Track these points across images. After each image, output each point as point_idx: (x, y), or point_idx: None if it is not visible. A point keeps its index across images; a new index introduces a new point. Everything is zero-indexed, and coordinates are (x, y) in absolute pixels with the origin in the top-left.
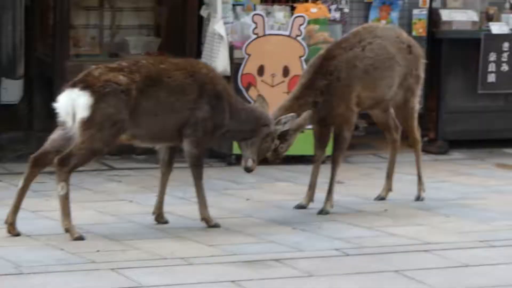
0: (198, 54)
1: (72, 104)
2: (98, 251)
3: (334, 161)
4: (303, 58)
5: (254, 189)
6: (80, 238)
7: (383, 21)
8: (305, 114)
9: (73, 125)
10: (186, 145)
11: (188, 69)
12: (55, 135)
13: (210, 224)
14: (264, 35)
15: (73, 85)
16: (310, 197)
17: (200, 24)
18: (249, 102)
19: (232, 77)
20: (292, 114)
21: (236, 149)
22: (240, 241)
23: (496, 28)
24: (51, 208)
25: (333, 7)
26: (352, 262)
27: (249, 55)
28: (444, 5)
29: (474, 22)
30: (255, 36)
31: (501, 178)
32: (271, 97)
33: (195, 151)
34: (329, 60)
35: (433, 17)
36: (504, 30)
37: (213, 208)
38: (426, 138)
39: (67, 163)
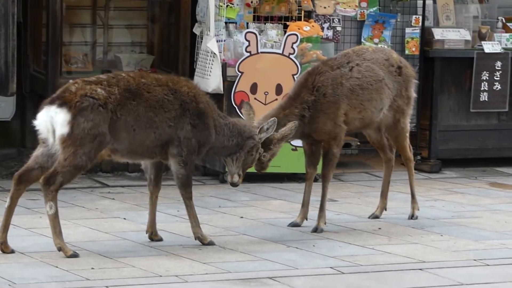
0: (191, 71)
1: (51, 122)
2: (92, 268)
3: (324, 178)
4: (296, 76)
5: (248, 206)
6: (74, 255)
7: (376, 40)
8: (291, 124)
9: (54, 142)
10: (173, 166)
11: (169, 86)
12: (38, 151)
13: (204, 242)
14: (257, 53)
15: (51, 102)
16: (304, 215)
17: (193, 42)
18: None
19: (225, 95)
20: (273, 118)
21: None
22: (235, 258)
23: (488, 47)
24: (45, 225)
25: (326, 25)
26: (347, 280)
27: (242, 73)
28: (437, 24)
29: (466, 41)
30: (248, 54)
31: (495, 197)
32: None
33: (182, 171)
34: (316, 76)
35: (426, 35)
36: (497, 49)
37: (207, 225)
38: (419, 156)
39: (53, 182)
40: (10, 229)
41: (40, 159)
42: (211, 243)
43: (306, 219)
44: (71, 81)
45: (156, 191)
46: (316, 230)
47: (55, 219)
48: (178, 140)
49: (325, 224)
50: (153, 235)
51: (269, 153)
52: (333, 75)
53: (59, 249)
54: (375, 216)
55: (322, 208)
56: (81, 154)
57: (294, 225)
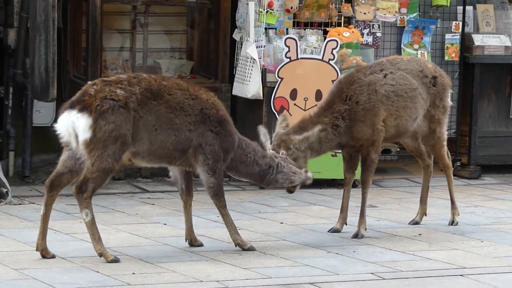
0: (231, 77)
1: (72, 126)
2: (133, 273)
3: (363, 184)
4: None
5: (287, 212)
6: (115, 261)
7: (416, 45)
8: (315, 128)
9: (77, 146)
10: (202, 175)
11: (190, 91)
12: (64, 156)
13: (244, 247)
14: (297, 58)
15: (71, 106)
16: (343, 220)
17: (233, 48)
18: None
19: (264, 101)
20: (285, 156)
21: None
22: (275, 264)
23: None
24: (85, 230)
25: (366, 31)
26: (388, 286)
27: (281, 78)
28: (477, 30)
29: (506, 47)
30: (287, 60)
31: None
32: None
33: (212, 179)
34: (348, 85)
35: (465, 41)
36: None
37: (247, 231)
38: (458, 163)
39: (85, 189)
40: (51, 234)
41: (68, 163)
42: (251, 249)
43: (346, 224)
44: (89, 82)
45: (189, 200)
46: (356, 236)
47: (92, 226)
48: (201, 147)
49: (365, 230)
50: (193, 241)
51: (288, 153)
52: (367, 82)
53: (100, 255)
54: (415, 222)
55: (362, 214)
56: (107, 157)
57: (334, 231)
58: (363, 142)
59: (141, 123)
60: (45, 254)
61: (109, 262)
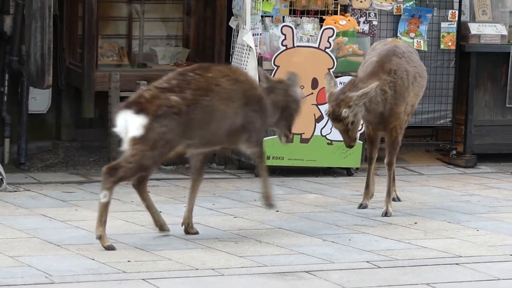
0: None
1: (126, 124)
2: (129, 261)
3: (390, 165)
4: (332, 70)
5: (283, 200)
6: (111, 248)
7: (412, 34)
8: (373, 84)
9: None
10: (248, 149)
11: (230, 76)
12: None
13: (269, 201)
14: (293, 47)
15: (127, 107)
16: (370, 195)
17: (229, 35)
18: None
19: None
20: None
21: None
22: (271, 252)
23: None
24: (81, 217)
25: (362, 19)
26: (383, 274)
27: (277, 66)
28: (473, 19)
29: (503, 36)
30: (284, 48)
31: None
32: None
33: (257, 149)
34: (390, 61)
35: (462, 30)
36: None
37: (242, 219)
38: (454, 151)
39: (114, 174)
40: (45, 221)
41: None
42: (274, 206)
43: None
44: (143, 87)
45: (199, 180)
46: (386, 214)
47: (104, 208)
48: (245, 127)
49: (391, 208)
50: (190, 228)
51: (350, 110)
52: (403, 61)
53: (99, 237)
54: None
55: (389, 194)
56: (149, 156)
57: (363, 207)
58: (396, 122)
59: (196, 123)
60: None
61: (105, 248)
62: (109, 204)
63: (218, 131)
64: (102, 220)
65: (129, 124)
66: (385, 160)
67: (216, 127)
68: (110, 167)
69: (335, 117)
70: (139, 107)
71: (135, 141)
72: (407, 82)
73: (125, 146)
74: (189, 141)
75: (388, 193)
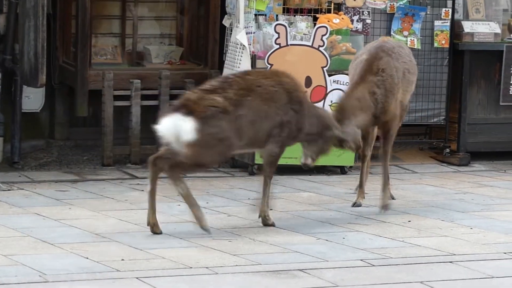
0: (221, 64)
1: (176, 129)
2: (122, 259)
3: (385, 155)
4: (325, 69)
5: (276, 199)
6: (206, 229)
7: (406, 32)
8: (365, 115)
9: (178, 146)
10: (270, 144)
11: (274, 78)
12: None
13: (268, 223)
14: (287, 45)
15: (175, 110)
16: (363, 194)
17: (223, 34)
18: None
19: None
20: (357, 129)
21: (258, 159)
22: (265, 250)
23: None
24: (74, 216)
25: (356, 17)
26: (377, 272)
27: (271, 65)
28: (467, 17)
29: (496, 34)
30: (277, 46)
31: None
32: None
33: (277, 150)
34: (378, 60)
35: (455, 28)
36: None
37: (236, 217)
38: (447, 149)
39: (176, 168)
40: (39, 220)
41: (167, 151)
42: (272, 225)
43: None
44: (188, 91)
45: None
46: (384, 207)
47: (188, 197)
48: (281, 124)
49: (389, 199)
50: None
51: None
52: (391, 59)
53: (197, 220)
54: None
55: (385, 186)
56: (207, 155)
57: (357, 205)
58: (390, 117)
59: (242, 122)
60: (155, 229)
61: (202, 228)
62: (190, 192)
63: (261, 131)
64: (193, 203)
65: (180, 129)
66: (380, 150)
67: (260, 128)
68: (172, 165)
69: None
70: (187, 110)
71: (191, 145)
72: (397, 78)
73: (180, 148)
74: (240, 142)
75: (385, 185)
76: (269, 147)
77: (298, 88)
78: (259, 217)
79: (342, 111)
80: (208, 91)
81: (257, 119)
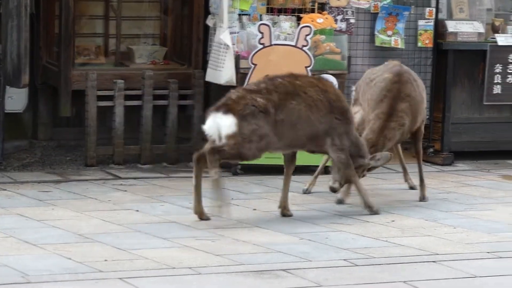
0: (204, 63)
1: (217, 126)
2: (106, 260)
3: (418, 156)
4: (309, 68)
5: (260, 199)
6: (207, 218)
7: (389, 32)
8: (387, 157)
9: (219, 141)
10: (333, 155)
11: (319, 87)
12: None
13: (373, 209)
14: (270, 45)
15: (217, 109)
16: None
17: (206, 34)
18: None
19: (238, 87)
20: (388, 153)
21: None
22: (248, 251)
23: (502, 39)
24: (57, 217)
25: (340, 17)
26: (360, 272)
27: (255, 65)
28: (450, 16)
29: (480, 34)
30: (261, 46)
31: (507, 189)
32: None
33: (342, 155)
34: (404, 85)
35: (439, 28)
36: (510, 42)
37: (219, 218)
38: (431, 149)
39: (215, 153)
40: (22, 220)
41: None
42: (377, 212)
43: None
44: (232, 90)
45: (292, 168)
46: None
47: (217, 184)
48: (327, 132)
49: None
50: (285, 210)
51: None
52: (413, 79)
53: (219, 207)
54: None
55: (422, 183)
56: (248, 148)
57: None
58: (417, 133)
59: (282, 124)
60: (202, 216)
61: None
62: (220, 180)
63: (303, 136)
64: (218, 193)
65: (220, 125)
66: (412, 151)
67: (300, 131)
68: (214, 148)
69: None
70: (226, 108)
71: (232, 136)
72: (420, 96)
73: (223, 142)
74: (279, 143)
75: (421, 181)
76: (334, 157)
77: (340, 98)
78: (364, 208)
79: (373, 145)
80: (251, 91)
81: (298, 123)
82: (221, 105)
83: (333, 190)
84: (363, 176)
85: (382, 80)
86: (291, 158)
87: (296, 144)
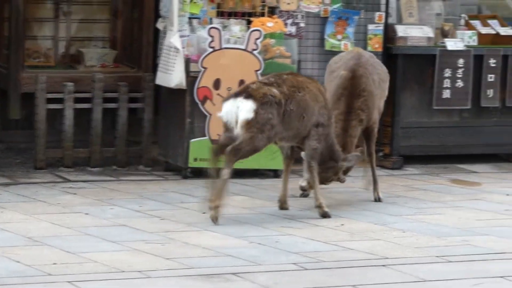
0: (154, 66)
1: (236, 110)
2: (54, 263)
3: (370, 154)
4: (259, 72)
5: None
6: (215, 220)
7: (339, 36)
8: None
9: (236, 126)
10: (309, 141)
11: (316, 83)
12: (225, 134)
13: (323, 209)
14: (221, 48)
15: (236, 95)
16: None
17: (157, 37)
18: (205, 116)
19: (188, 90)
20: (358, 154)
21: (191, 163)
22: (197, 254)
23: (451, 44)
24: (6, 219)
25: (290, 21)
26: (310, 276)
27: (205, 68)
28: (400, 21)
29: (429, 38)
30: (211, 50)
31: (457, 194)
32: None
33: (316, 143)
34: (358, 79)
35: (389, 32)
36: (459, 47)
37: (169, 221)
38: (381, 153)
39: (235, 154)
40: None
41: (227, 140)
42: (327, 215)
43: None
44: (248, 82)
45: (290, 164)
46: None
47: (225, 184)
48: (317, 123)
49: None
50: (283, 204)
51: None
52: (370, 73)
53: (216, 207)
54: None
55: (375, 185)
56: (260, 138)
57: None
58: (372, 124)
59: (292, 115)
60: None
61: (211, 219)
62: (228, 181)
63: (307, 126)
64: (222, 194)
65: (240, 109)
66: (366, 152)
67: (307, 122)
68: (233, 148)
69: None
70: (248, 94)
71: (248, 123)
72: (375, 91)
73: (237, 130)
74: (285, 133)
75: (375, 183)
76: (310, 142)
77: (325, 95)
78: (315, 207)
79: (343, 147)
80: (266, 84)
81: (304, 113)
82: (241, 92)
83: (302, 189)
84: (340, 179)
85: (338, 76)
86: (290, 154)
87: (300, 134)
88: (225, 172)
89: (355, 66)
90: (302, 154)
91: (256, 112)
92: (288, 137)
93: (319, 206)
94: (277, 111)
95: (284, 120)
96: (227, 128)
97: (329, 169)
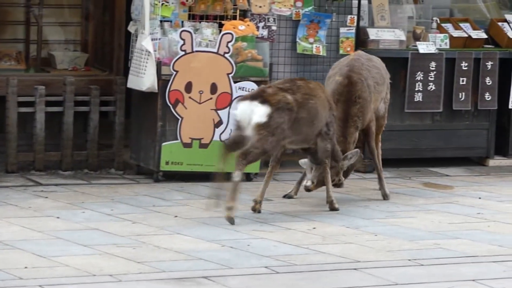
0: (126, 70)
1: (250, 113)
2: (25, 267)
3: (372, 154)
4: (230, 75)
5: (181, 206)
6: (230, 219)
7: (311, 39)
8: (356, 156)
9: (248, 127)
10: (321, 143)
11: (322, 88)
12: (236, 132)
13: (334, 206)
14: (192, 51)
15: (252, 98)
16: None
17: (128, 40)
18: (177, 119)
19: (159, 94)
20: (357, 150)
21: (163, 166)
22: (169, 258)
23: (423, 47)
24: None
25: (261, 24)
26: (281, 280)
27: (176, 71)
28: (372, 24)
29: (401, 41)
30: (183, 53)
31: (429, 197)
32: (199, 114)
33: (329, 145)
34: (354, 87)
35: (360, 35)
36: (431, 50)
37: (141, 224)
38: None
39: (245, 158)
40: None
41: (239, 138)
42: (336, 209)
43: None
44: (262, 86)
45: (277, 167)
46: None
47: (236, 187)
48: (326, 125)
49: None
50: (257, 205)
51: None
52: (364, 78)
53: (229, 209)
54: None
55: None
56: (270, 142)
57: (289, 197)
58: (367, 123)
59: (302, 121)
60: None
61: (226, 219)
62: (240, 183)
63: (315, 131)
64: (233, 196)
65: (254, 112)
66: (367, 150)
67: (315, 127)
68: (243, 153)
69: None
70: (263, 98)
71: (260, 127)
72: (369, 97)
73: (249, 132)
74: (294, 137)
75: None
76: (321, 144)
77: (330, 99)
78: (326, 204)
79: (344, 153)
80: (282, 89)
81: (314, 120)
82: (257, 95)
83: (307, 189)
84: (339, 180)
85: (334, 82)
86: (279, 157)
87: (308, 138)
88: (236, 175)
89: (349, 73)
90: (301, 162)
91: (270, 116)
92: (297, 141)
93: (331, 202)
94: (288, 117)
95: (294, 126)
96: (239, 126)
97: (331, 169)
